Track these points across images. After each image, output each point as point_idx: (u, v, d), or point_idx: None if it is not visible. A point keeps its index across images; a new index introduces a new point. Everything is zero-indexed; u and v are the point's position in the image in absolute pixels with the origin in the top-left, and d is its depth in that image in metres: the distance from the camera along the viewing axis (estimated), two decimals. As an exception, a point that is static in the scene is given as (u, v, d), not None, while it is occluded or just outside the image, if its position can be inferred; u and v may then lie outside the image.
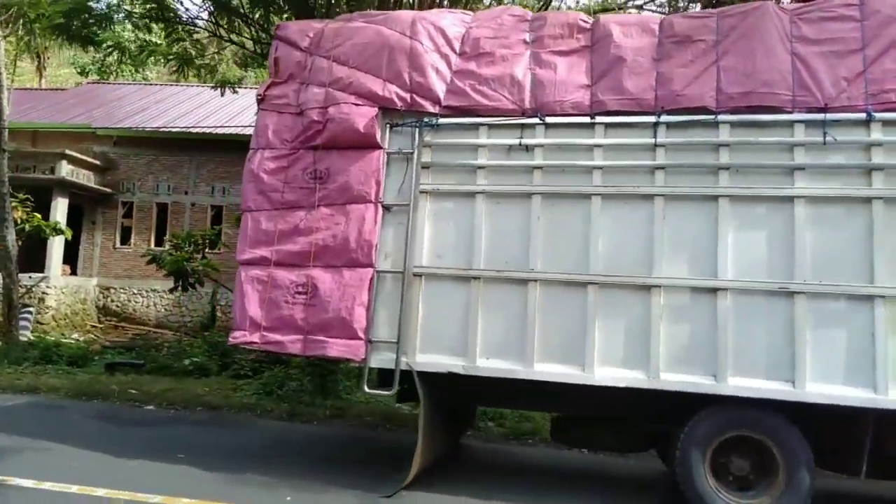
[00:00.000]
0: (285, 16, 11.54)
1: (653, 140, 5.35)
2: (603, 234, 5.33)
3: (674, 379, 5.05)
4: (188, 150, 20.03)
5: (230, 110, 21.05)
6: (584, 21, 5.81)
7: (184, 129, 19.77)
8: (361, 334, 5.51)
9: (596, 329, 5.22)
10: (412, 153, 5.76)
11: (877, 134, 4.99)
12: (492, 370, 5.37)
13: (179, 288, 13.03)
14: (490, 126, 5.70)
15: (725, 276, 5.06)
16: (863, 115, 5.00)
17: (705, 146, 5.30)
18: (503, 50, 5.81)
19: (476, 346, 5.40)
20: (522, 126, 5.63)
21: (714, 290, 5.08)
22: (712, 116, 5.28)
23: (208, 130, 19.50)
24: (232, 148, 18.68)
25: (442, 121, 5.76)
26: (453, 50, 5.94)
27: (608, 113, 5.47)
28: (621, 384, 5.12)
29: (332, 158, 5.86)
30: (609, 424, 5.82)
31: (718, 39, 5.40)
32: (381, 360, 5.55)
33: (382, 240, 5.70)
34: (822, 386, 4.82)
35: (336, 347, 5.53)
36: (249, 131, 18.18)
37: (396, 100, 5.82)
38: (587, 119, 5.51)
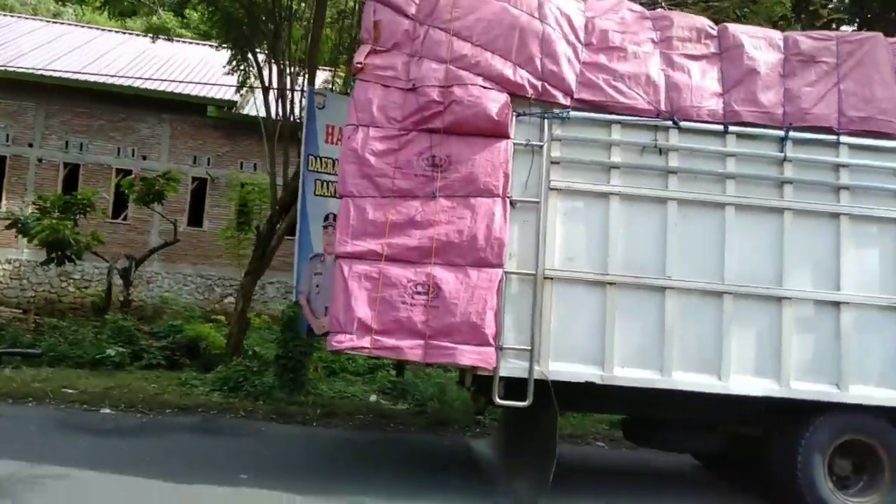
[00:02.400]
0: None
1: (782, 154, 5.48)
2: (736, 243, 5.38)
3: (803, 388, 5.27)
4: (36, 95, 16.33)
5: (91, 50, 18.15)
6: (712, 27, 5.78)
7: (30, 70, 15.70)
8: (492, 341, 5.06)
9: (732, 339, 5.27)
10: (541, 146, 5.37)
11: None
12: (629, 379, 5.21)
13: (55, 261, 11.18)
14: (623, 125, 5.48)
15: (846, 291, 5.36)
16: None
17: (827, 165, 5.54)
18: (634, 47, 5.60)
19: (613, 354, 5.21)
20: (656, 128, 5.48)
21: (837, 304, 5.36)
22: (835, 137, 5.53)
23: (65, 75, 15.95)
24: (97, 97, 16.12)
25: (573, 114, 5.42)
26: (579, 39, 5.61)
27: (741, 123, 5.51)
28: (756, 393, 5.24)
29: (453, 144, 5.27)
30: (690, 427, 5.92)
31: (838, 63, 5.65)
32: (511, 368, 5.14)
33: (507, 238, 5.26)
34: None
35: (467, 355, 5.02)
36: (118, 81, 15.82)
37: (528, 87, 5.37)
38: (720, 127, 5.50)
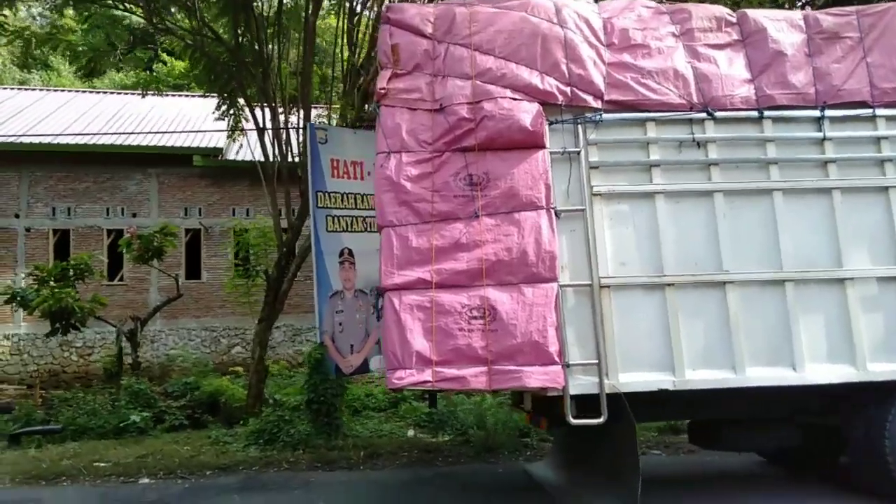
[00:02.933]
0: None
1: (821, 134, 5.38)
2: (788, 229, 5.24)
3: (880, 369, 5.10)
4: (16, 164, 15.98)
5: (67, 113, 17.86)
6: (731, 15, 5.70)
7: (9, 138, 15.27)
8: (557, 358, 4.83)
9: (800, 327, 5.10)
10: (578, 152, 5.21)
11: None
12: (702, 381, 5.01)
13: (59, 331, 10.76)
14: (657, 121, 5.35)
15: (906, 265, 5.24)
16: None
17: (867, 140, 5.44)
18: (656, 42, 5.49)
19: (682, 357, 5.01)
20: (691, 121, 5.36)
21: (898, 279, 5.23)
22: (870, 111, 5.44)
23: (45, 141, 15.34)
24: (79, 159, 15.83)
25: (606, 116, 5.28)
26: (600, 41, 5.49)
27: (775, 107, 5.40)
28: (833, 380, 5.06)
29: (489, 161, 5.09)
30: (762, 424, 5.73)
31: (862, 37, 5.59)
32: (581, 385, 4.91)
33: (558, 250, 5.07)
34: None
35: (534, 377, 4.78)
36: (98, 140, 15.61)
37: (557, 94, 5.23)
38: (755, 114, 5.39)
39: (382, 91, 5.24)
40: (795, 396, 5.27)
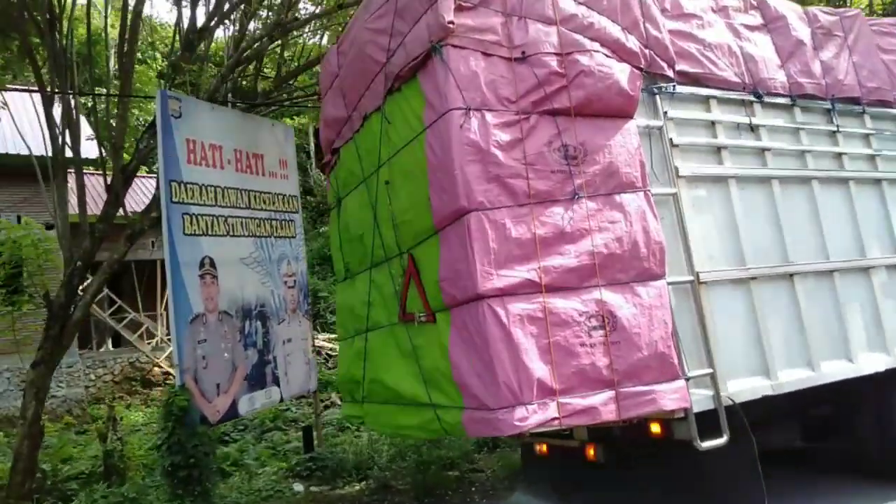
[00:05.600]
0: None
1: (835, 126, 5.43)
2: (828, 218, 5.14)
3: None
4: None
5: None
6: (752, -2, 5.47)
7: None
8: (680, 372, 3.97)
9: (849, 317, 5.02)
10: (660, 127, 4.44)
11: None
12: (791, 383, 4.58)
13: None
14: (719, 100, 4.84)
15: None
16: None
17: (859, 135, 5.65)
18: (704, 14, 4.99)
19: (773, 358, 4.53)
20: (743, 102, 4.97)
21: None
22: (860, 107, 5.67)
23: None
24: None
25: (680, 89, 4.61)
26: (654, 3, 4.80)
27: (803, 96, 5.30)
28: (880, 368, 5.04)
29: (584, 129, 4.03)
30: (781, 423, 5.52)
31: (845, 36, 5.82)
32: (699, 400, 4.09)
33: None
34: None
35: (668, 397, 3.83)
36: None
37: (640, 56, 4.39)
38: (788, 101, 5.22)
39: (450, 25, 3.81)
40: (821, 390, 5.15)
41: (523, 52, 3.96)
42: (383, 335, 4.71)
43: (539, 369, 3.55)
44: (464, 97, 3.76)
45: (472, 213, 3.66)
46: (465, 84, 3.78)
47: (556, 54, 4.02)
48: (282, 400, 7.82)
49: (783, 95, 5.19)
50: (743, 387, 4.34)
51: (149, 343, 15.97)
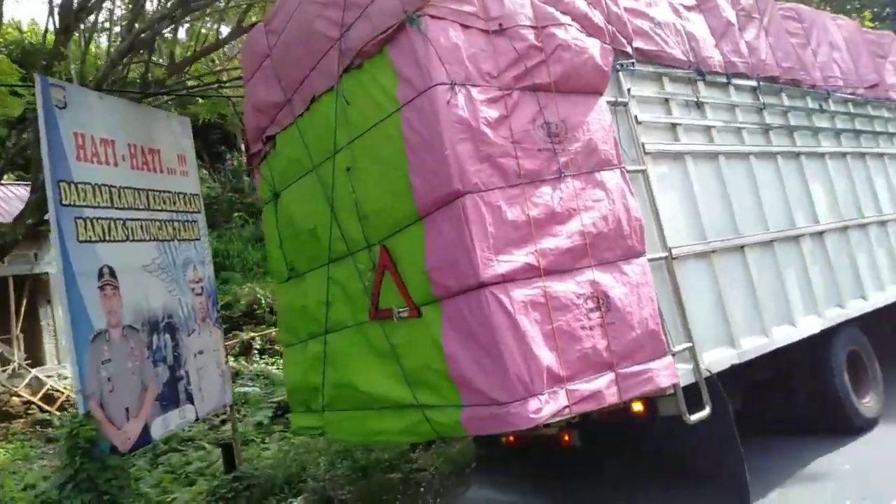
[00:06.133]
0: None
1: (761, 102, 5.69)
2: (765, 189, 5.39)
3: (846, 310, 5.69)
4: None
5: None
6: (684, -22, 5.58)
7: None
8: (667, 348, 3.96)
9: (790, 282, 5.29)
10: (626, 103, 4.40)
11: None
12: (751, 351, 4.73)
13: None
14: (671, 78, 4.89)
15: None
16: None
17: (780, 110, 5.98)
18: (647, -9, 5.02)
19: (737, 327, 4.66)
20: (689, 80, 5.06)
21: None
22: (779, 86, 6.00)
23: None
24: None
25: (638, 67, 4.59)
26: (609, -21, 4.75)
27: (736, 74, 5.50)
28: (816, 329, 5.34)
29: (563, 105, 3.88)
30: None
31: (761, 19, 6.12)
32: (683, 373, 4.10)
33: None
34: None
35: (661, 374, 3.80)
36: None
37: (605, 32, 4.31)
38: (724, 79, 5.39)
39: (424, -7, 3.51)
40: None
41: (500, 25, 3.75)
42: (349, 336, 4.33)
43: (546, 357, 3.37)
44: (447, 71, 3.48)
45: (467, 195, 3.40)
46: (448, 57, 3.50)
47: (532, 27, 3.84)
48: (197, 418, 7.13)
49: (720, 74, 5.35)
50: (714, 357, 4.42)
51: (3, 370, 14.10)
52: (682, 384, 4.06)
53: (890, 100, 7.62)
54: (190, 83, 8.23)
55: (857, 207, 6.39)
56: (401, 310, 3.84)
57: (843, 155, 6.50)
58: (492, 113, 3.56)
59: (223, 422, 10.52)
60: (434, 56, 3.48)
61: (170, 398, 6.46)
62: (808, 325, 5.29)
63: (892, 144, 7.41)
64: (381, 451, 7.16)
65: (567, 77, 3.90)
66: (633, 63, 4.54)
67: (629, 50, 4.54)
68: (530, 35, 3.81)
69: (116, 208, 6.26)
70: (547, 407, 3.30)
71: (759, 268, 5.05)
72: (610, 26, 4.38)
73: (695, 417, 4.02)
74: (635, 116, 4.44)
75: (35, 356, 15.30)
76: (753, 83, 5.67)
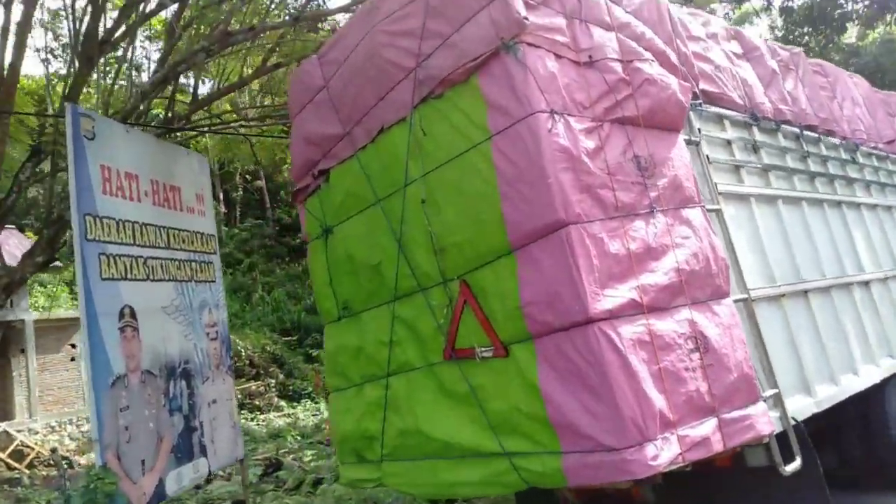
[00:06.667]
0: None
1: (805, 150, 5.73)
2: (819, 236, 5.36)
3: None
4: None
5: None
6: (730, 28, 5.67)
7: None
8: (759, 393, 3.78)
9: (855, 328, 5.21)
10: (698, 142, 4.34)
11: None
12: (825, 399, 4.57)
13: None
14: (731, 121, 4.88)
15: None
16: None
17: (820, 160, 6.03)
18: (707, 39, 5.06)
19: (810, 375, 4.51)
20: (746, 124, 5.07)
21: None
22: (817, 135, 6.07)
23: None
24: None
25: (705, 107, 4.57)
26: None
27: (783, 122, 5.54)
28: (877, 379, 5.23)
29: (649, 140, 3.80)
30: None
31: (797, 71, 6.23)
32: (774, 421, 3.90)
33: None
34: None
35: (760, 421, 3.61)
36: None
37: (679, 71, 4.28)
38: (774, 125, 5.42)
39: (525, 20, 3.42)
40: None
41: (590, 57, 3.68)
42: (417, 378, 4.05)
43: (657, 400, 3.16)
44: (546, 100, 3.37)
45: (572, 225, 3.23)
46: (546, 86, 3.39)
47: (619, 61, 3.78)
48: (210, 473, 6.67)
49: (770, 120, 5.38)
50: (796, 406, 4.24)
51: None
52: (777, 432, 3.87)
53: None
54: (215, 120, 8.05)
55: (892, 258, 6.40)
56: (484, 349, 3.60)
57: (874, 206, 6.56)
58: (589, 143, 3.44)
59: (209, 480, 9.93)
60: (533, 84, 3.37)
61: (184, 451, 6.05)
62: (869, 374, 5.17)
63: (911, 199, 7.56)
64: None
65: (653, 112, 3.83)
66: (700, 103, 4.52)
67: (696, 90, 4.53)
68: (618, 68, 3.75)
69: (138, 245, 6.00)
70: (663, 453, 3.06)
71: (821, 314, 4.95)
72: (682, 67, 4.37)
73: (790, 468, 3.80)
74: (707, 156, 4.38)
75: (4, 409, 14.44)
76: (797, 130, 5.71)
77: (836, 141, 6.31)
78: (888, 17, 16.32)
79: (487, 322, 3.59)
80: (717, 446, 3.36)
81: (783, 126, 5.50)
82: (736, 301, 4.01)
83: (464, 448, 3.72)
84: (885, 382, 5.48)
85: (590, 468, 3.14)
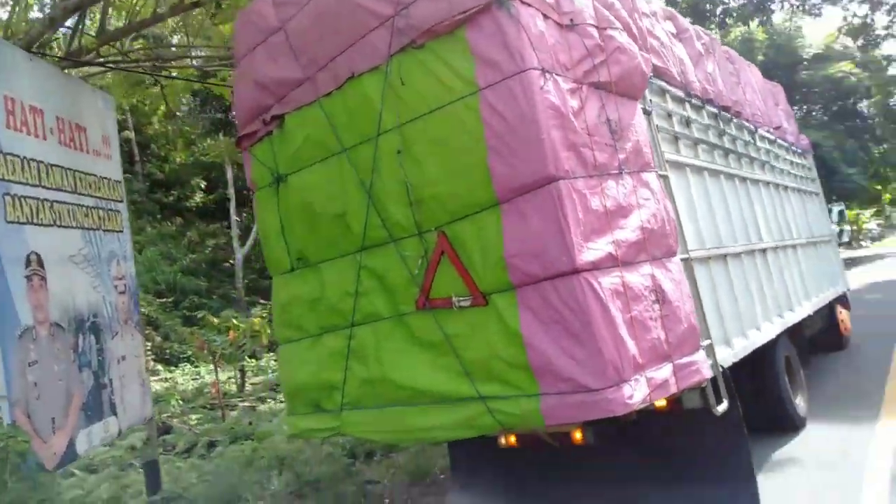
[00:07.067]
0: None
1: (721, 128, 6.27)
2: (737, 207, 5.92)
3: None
4: None
5: None
6: (666, 10, 6.00)
7: None
8: (701, 342, 4.18)
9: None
10: (650, 112, 4.63)
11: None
12: (740, 350, 5.11)
13: None
14: (671, 96, 5.23)
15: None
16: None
17: (730, 138, 6.62)
18: (644, 17, 5.32)
19: (729, 329, 5.02)
20: (681, 100, 5.45)
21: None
22: (729, 115, 6.65)
23: None
24: None
25: (653, 80, 4.86)
26: (620, -3, 5.01)
27: (708, 100, 6.00)
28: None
29: (617, 105, 4.02)
30: None
31: (714, 54, 6.75)
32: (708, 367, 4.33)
33: (675, 219, 4.46)
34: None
35: (704, 367, 4.00)
36: None
37: (639, 42, 4.52)
38: (700, 103, 5.86)
39: (514, -26, 3.48)
40: None
41: (571, 20, 3.81)
42: (385, 328, 4.06)
43: (631, 345, 3.42)
44: (538, 59, 3.46)
45: (561, 180, 3.38)
46: (537, 44, 3.48)
47: (595, 27, 3.94)
48: (120, 433, 6.31)
49: (699, 98, 5.82)
50: (721, 355, 4.71)
51: None
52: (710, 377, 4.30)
53: (786, 141, 8.71)
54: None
55: (780, 231, 7.19)
56: (462, 298, 3.69)
57: (768, 184, 7.31)
58: (574, 103, 3.59)
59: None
60: (527, 41, 3.44)
61: (94, 409, 5.70)
62: (768, 330, 5.83)
63: (793, 180, 8.48)
64: (320, 464, 6.77)
65: (621, 79, 4.04)
66: (652, 75, 4.81)
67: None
68: (595, 34, 3.91)
69: (44, 187, 5.49)
70: (636, 393, 3.33)
71: (735, 276, 5.50)
72: (640, 40, 4.62)
73: (720, 409, 4.25)
74: (656, 125, 4.69)
75: None
76: (716, 110, 6.22)
77: (743, 122, 6.93)
78: (763, 17, 17.90)
79: (466, 272, 3.68)
80: (673, 388, 3.69)
81: (706, 105, 5.96)
82: (682, 260, 4.38)
83: (434, 394, 3.81)
84: (775, 343, 6.19)
85: (569, 408, 3.34)
